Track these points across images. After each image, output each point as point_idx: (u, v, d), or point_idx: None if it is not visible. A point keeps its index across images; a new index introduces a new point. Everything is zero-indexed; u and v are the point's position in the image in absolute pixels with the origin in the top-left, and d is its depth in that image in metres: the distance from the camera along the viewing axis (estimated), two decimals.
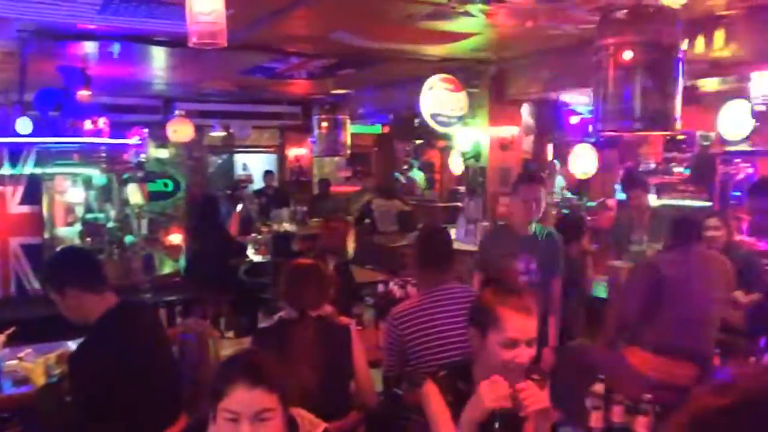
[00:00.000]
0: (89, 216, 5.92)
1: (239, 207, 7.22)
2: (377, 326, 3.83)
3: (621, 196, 7.27)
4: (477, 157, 7.14)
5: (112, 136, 5.94)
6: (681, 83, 2.88)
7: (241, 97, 9.34)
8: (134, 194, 6.23)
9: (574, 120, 8.91)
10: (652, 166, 8.97)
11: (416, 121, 9.62)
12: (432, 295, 2.97)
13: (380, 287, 4.44)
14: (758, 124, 6.52)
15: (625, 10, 2.87)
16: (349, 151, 8.39)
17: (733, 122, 6.75)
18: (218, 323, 4.41)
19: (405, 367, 2.98)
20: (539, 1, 4.15)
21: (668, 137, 8.10)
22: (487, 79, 6.82)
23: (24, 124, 5.26)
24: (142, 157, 6.49)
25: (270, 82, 7.78)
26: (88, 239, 5.60)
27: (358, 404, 2.91)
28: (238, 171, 12.41)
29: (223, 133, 10.66)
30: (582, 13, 4.33)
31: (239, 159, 12.64)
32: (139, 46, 5.41)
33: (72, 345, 3.29)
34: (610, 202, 8.20)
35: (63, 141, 5.52)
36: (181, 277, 5.91)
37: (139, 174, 6.42)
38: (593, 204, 8.80)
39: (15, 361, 3.24)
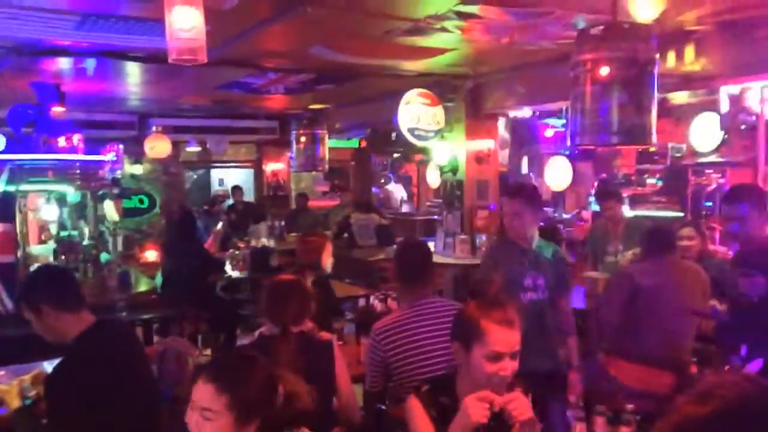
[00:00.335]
0: (64, 234, 5.82)
1: (219, 224, 7.15)
2: (358, 341, 3.81)
3: (596, 207, 7.37)
4: (454, 170, 7.19)
5: (86, 153, 5.86)
6: (656, 97, 2.95)
7: (217, 112, 9.31)
8: (109, 211, 6.14)
9: (549, 133, 9.04)
10: (625, 178, 9.11)
11: (393, 135, 9.68)
12: (413, 310, 2.98)
13: (361, 302, 4.44)
14: (727, 135, 6.68)
15: (601, 27, 2.94)
16: (327, 166, 8.40)
17: (704, 134, 6.90)
18: (196, 340, 4.36)
19: (388, 382, 2.97)
20: (514, 17, 4.21)
21: (641, 149, 8.24)
22: (463, 93, 6.90)
23: None
24: (118, 173, 6.41)
25: (247, 97, 7.77)
26: (63, 257, 5.50)
27: (342, 420, 2.90)
28: (215, 186, 12.34)
29: (199, 149, 10.59)
30: (557, 29, 4.41)
31: (216, 174, 12.56)
32: (114, 61, 5.37)
33: (48, 366, 3.22)
34: (585, 214, 8.32)
35: (37, 158, 5.43)
36: (157, 294, 5.83)
37: (115, 190, 6.33)
38: (568, 216, 8.91)
39: None
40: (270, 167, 11.52)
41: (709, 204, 7.25)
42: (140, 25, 4.17)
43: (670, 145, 7.90)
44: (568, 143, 3.38)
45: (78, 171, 5.67)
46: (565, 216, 9.02)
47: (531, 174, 9.58)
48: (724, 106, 6.32)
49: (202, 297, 5.99)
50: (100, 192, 5.90)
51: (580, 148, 4.55)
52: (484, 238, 6.83)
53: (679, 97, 6.63)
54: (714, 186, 7.27)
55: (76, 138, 5.74)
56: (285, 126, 9.90)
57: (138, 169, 9.80)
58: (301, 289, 3.06)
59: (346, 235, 8.87)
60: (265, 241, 8.17)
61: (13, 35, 4.47)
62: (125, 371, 2.59)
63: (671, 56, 4.61)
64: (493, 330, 1.94)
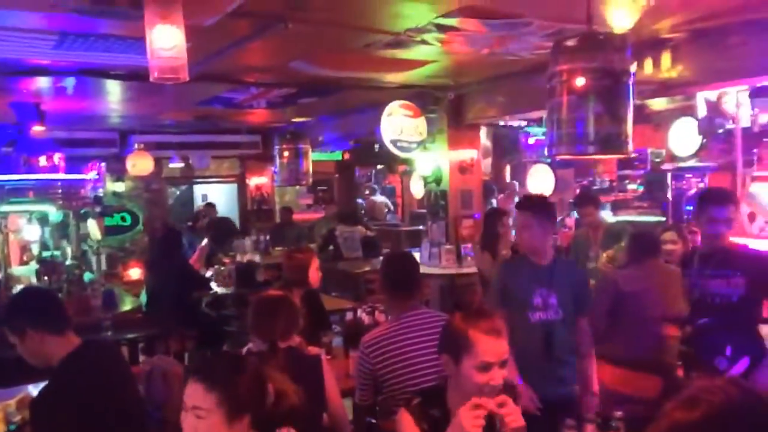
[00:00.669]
0: (46, 254, 5.77)
1: (204, 240, 7.11)
2: (347, 355, 3.80)
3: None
4: (438, 180, 7.23)
5: (68, 172, 5.83)
6: (632, 107, 2.99)
7: (199, 127, 9.28)
8: (92, 230, 6.10)
9: (530, 141, 9.12)
10: (607, 184, 9.20)
11: (376, 146, 9.71)
12: (402, 321, 2.98)
13: (348, 315, 4.42)
14: (705, 140, 6.78)
15: (576, 38, 2.98)
16: (311, 180, 8.40)
17: (682, 139, 7.00)
18: (182, 358, 4.33)
19: (377, 395, 2.97)
20: (493, 29, 4.26)
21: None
22: (445, 104, 6.95)
23: None
24: (100, 191, 6.37)
25: (229, 112, 7.76)
26: (45, 278, 5.44)
27: None
28: (198, 202, 12.27)
29: (181, 164, 10.54)
30: (535, 40, 4.47)
31: (199, 190, 12.50)
32: (94, 79, 5.34)
33: (33, 389, 3.17)
34: (568, 221, 8.38)
35: (17, 178, 5.39)
36: (142, 312, 5.78)
37: (97, 209, 6.29)
38: None
39: None
40: (253, 181, 11.50)
41: (690, 208, 7.35)
42: (120, 44, 4.16)
43: (649, 150, 8.00)
44: (546, 153, 3.40)
45: (59, 190, 5.63)
46: None
47: (514, 182, 9.65)
48: (702, 111, 6.42)
49: (188, 314, 5.93)
50: (82, 211, 5.86)
51: (559, 159, 4.59)
52: (469, 247, 6.86)
53: (658, 104, 6.72)
54: (694, 190, 7.37)
55: (57, 157, 5.71)
56: (268, 140, 9.90)
57: (120, 187, 9.73)
58: (289, 304, 3.05)
59: (331, 247, 8.86)
60: (250, 256, 8.12)
61: None
62: (112, 393, 2.56)
63: (648, 64, 4.69)
64: (482, 340, 1.95)
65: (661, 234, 4.56)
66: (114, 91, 6.19)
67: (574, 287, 3.22)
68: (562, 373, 3.15)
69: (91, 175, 6.12)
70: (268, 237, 9.52)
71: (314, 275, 4.15)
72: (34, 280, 5.48)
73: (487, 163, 8.80)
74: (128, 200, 9.59)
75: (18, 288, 5.12)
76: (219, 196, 11.94)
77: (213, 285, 7.08)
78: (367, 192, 13.65)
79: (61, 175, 5.71)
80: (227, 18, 3.52)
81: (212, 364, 1.96)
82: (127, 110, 7.53)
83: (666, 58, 4.63)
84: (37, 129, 5.72)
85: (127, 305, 5.83)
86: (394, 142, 6.65)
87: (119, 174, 9.55)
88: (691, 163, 7.14)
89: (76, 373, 2.48)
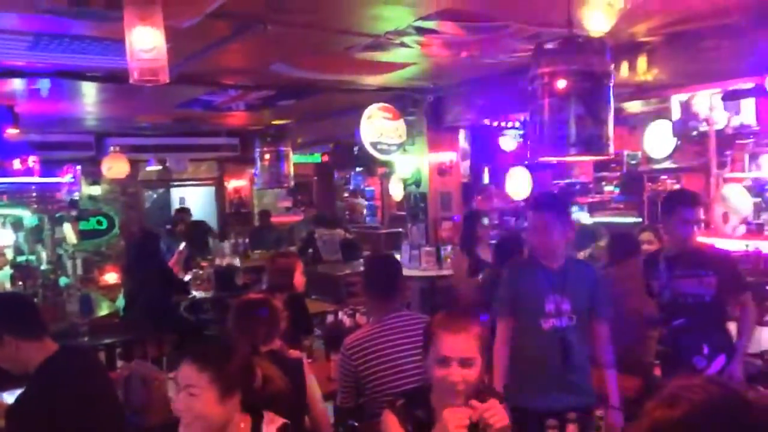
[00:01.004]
0: (21, 258, 5.68)
1: (183, 244, 7.05)
2: (328, 358, 3.80)
3: None
4: (417, 183, 7.25)
5: (42, 175, 5.74)
6: (612, 109, 3.03)
7: (177, 130, 9.19)
8: (68, 234, 6.01)
9: (509, 144, 9.18)
10: (584, 186, 9.30)
11: (356, 149, 9.71)
12: (383, 324, 2.98)
13: (329, 317, 4.42)
14: (680, 142, 6.89)
15: (557, 41, 3.01)
16: (292, 182, 8.38)
17: (657, 141, 7.11)
18: (161, 363, 4.28)
19: (359, 398, 2.96)
20: (471, 32, 4.29)
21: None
22: (424, 107, 6.97)
23: None
24: (75, 195, 6.27)
25: (207, 114, 7.70)
26: (20, 283, 5.35)
27: None
28: (176, 205, 12.16)
29: (158, 167, 10.44)
30: (514, 43, 4.51)
31: (176, 193, 12.39)
32: (70, 81, 5.27)
33: (8, 397, 3.12)
34: None
35: None
36: (119, 317, 5.71)
37: (72, 213, 6.20)
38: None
39: None
40: (232, 184, 11.43)
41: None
42: (97, 45, 4.11)
43: (625, 152, 8.11)
44: (528, 155, 3.42)
45: (34, 194, 5.55)
46: (526, 224, 9.15)
47: (493, 185, 9.70)
48: (676, 113, 6.52)
49: (167, 318, 5.88)
50: (58, 215, 5.78)
51: (541, 161, 4.61)
52: (449, 249, 6.89)
53: (633, 106, 6.82)
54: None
55: (32, 160, 5.62)
56: (246, 143, 9.84)
57: (96, 190, 9.60)
58: (270, 307, 3.04)
59: (311, 250, 8.84)
60: (229, 259, 8.07)
61: None
62: (89, 398, 2.52)
63: (625, 67, 4.76)
64: (441, 334, 2.00)
65: (638, 234, 4.63)
66: (90, 93, 6.11)
67: (589, 291, 3.03)
68: (578, 382, 2.95)
69: (67, 178, 6.03)
70: (246, 240, 9.47)
71: (299, 279, 4.14)
72: (8, 286, 5.39)
73: (465, 166, 8.84)
74: (104, 204, 9.47)
75: None
76: (197, 199, 11.84)
77: (192, 289, 7.03)
78: (346, 195, 13.63)
79: (35, 179, 5.64)
80: (206, 19, 3.50)
81: (204, 346, 2.10)
82: (103, 112, 7.44)
83: (642, 61, 4.70)
84: (11, 132, 5.63)
85: (103, 310, 5.76)
86: (374, 145, 6.65)
87: (95, 177, 9.42)
88: (666, 164, 7.25)
89: (52, 379, 2.44)
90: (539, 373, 2.91)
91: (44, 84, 5.37)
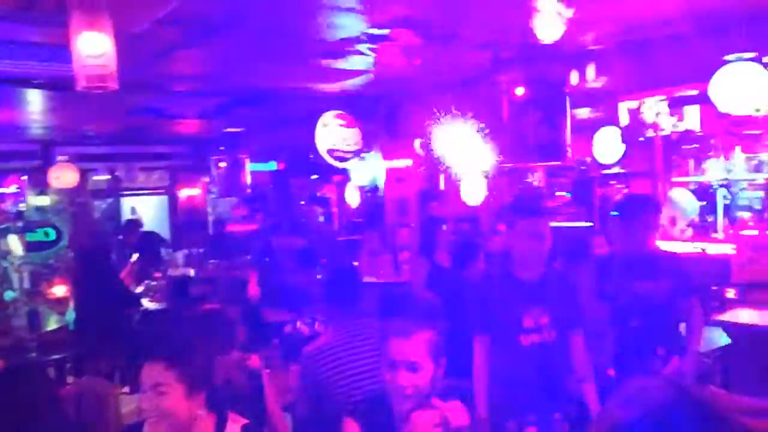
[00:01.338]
0: None
1: (135, 255, 6.88)
2: (286, 368, 3.75)
3: None
4: (374, 189, 7.26)
5: None
6: (569, 115, 3.09)
7: (127, 138, 8.99)
8: (13, 246, 5.80)
9: None
10: (537, 191, 9.45)
11: (312, 156, 9.66)
12: (344, 331, 2.97)
13: (287, 327, 4.37)
14: (628, 148, 7.08)
15: (515, 49, 3.07)
16: (249, 190, 8.29)
17: (606, 147, 7.29)
18: (113, 378, 4.17)
19: (320, 406, 2.93)
20: (426, 40, 4.33)
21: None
22: (380, 114, 6.99)
23: None
24: (21, 206, 6.06)
25: (158, 122, 7.56)
26: None
27: None
28: (127, 215, 11.87)
29: (108, 177, 10.18)
30: (468, 51, 4.56)
31: (127, 202, 12.09)
32: (14, 89, 5.10)
33: None
34: (501, 227, 8.55)
35: None
36: (69, 331, 5.53)
37: (18, 224, 5.98)
38: (485, 231, 9.14)
39: None
40: (184, 193, 11.22)
41: (616, 213, 7.63)
42: (42, 51, 3.98)
43: (576, 158, 8.28)
44: (489, 162, 3.45)
45: None
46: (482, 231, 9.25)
47: (448, 191, 9.79)
48: (624, 120, 6.70)
49: (118, 332, 5.71)
50: (3, 226, 5.57)
51: (501, 168, 4.65)
52: (406, 256, 6.91)
53: (583, 113, 6.97)
54: (619, 196, 7.67)
55: None
56: (199, 151, 9.69)
57: (43, 201, 9.30)
58: (226, 318, 2.99)
59: (267, 259, 8.73)
60: (182, 269, 7.92)
61: None
62: (37, 417, 2.44)
63: (575, 75, 4.87)
64: (390, 340, 2.06)
65: (590, 238, 4.73)
66: (35, 100, 5.93)
67: (567, 302, 2.89)
68: (560, 398, 2.80)
69: (12, 188, 5.81)
70: (201, 250, 9.30)
71: (253, 290, 4.09)
72: None
73: (422, 173, 8.90)
74: (52, 215, 9.17)
75: None
76: (148, 208, 11.58)
77: (144, 301, 6.86)
78: (302, 203, 13.53)
79: None
80: (157, 25, 3.43)
81: (168, 345, 2.09)
82: (50, 121, 7.23)
83: (591, 69, 4.82)
84: None
85: (52, 324, 5.58)
86: (330, 152, 6.64)
87: (42, 187, 9.12)
88: (615, 170, 7.44)
89: None
90: (519, 391, 2.71)
91: None
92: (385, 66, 5.15)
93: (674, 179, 6.55)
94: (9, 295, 5.49)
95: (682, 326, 3.56)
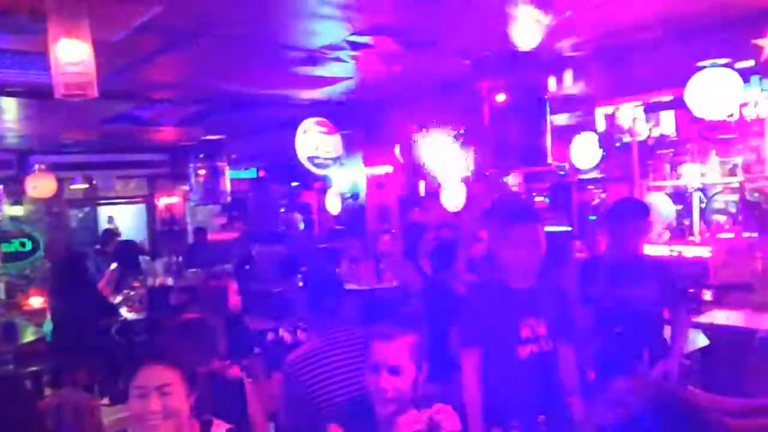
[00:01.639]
0: None
1: (114, 264, 6.80)
2: (269, 376, 3.73)
3: None
4: (355, 196, 7.27)
5: None
6: (549, 120, 3.13)
7: (104, 146, 8.90)
8: None
9: None
10: (515, 196, 9.52)
11: (292, 163, 9.64)
12: (327, 338, 2.96)
13: (269, 335, 4.34)
14: (605, 153, 7.17)
15: (496, 55, 3.10)
16: (229, 198, 8.25)
17: (584, 153, 7.37)
18: (92, 389, 4.10)
19: (303, 414, 2.92)
20: (405, 47, 4.35)
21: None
22: (360, 121, 7.00)
23: None
24: None
25: (136, 129, 7.49)
26: None
27: None
28: (104, 224, 11.74)
29: (85, 185, 10.06)
30: (448, 57, 4.59)
31: (104, 211, 11.97)
32: None
33: None
34: (482, 233, 8.60)
35: None
36: (46, 343, 5.44)
37: None
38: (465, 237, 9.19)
39: None
40: (163, 201, 11.13)
41: (593, 218, 7.73)
42: (18, 59, 3.93)
43: (554, 164, 8.36)
44: (470, 167, 3.46)
45: None
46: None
47: (429, 197, 9.83)
48: (601, 125, 6.78)
49: (97, 343, 5.64)
50: None
51: (484, 173, 4.68)
52: (387, 261, 6.92)
53: (560, 119, 7.05)
54: (597, 201, 7.76)
55: None
56: (177, 158, 9.62)
57: (19, 211, 9.17)
58: (207, 327, 2.97)
59: (248, 267, 8.68)
60: (162, 279, 7.84)
61: None
62: (15, 430, 2.40)
63: (552, 81, 4.93)
64: (373, 343, 2.09)
65: (570, 243, 4.78)
66: (10, 109, 5.85)
67: (560, 312, 2.81)
68: (560, 412, 2.61)
69: None
70: (180, 259, 9.22)
71: (233, 300, 4.06)
72: None
73: (402, 179, 8.93)
74: (28, 225, 9.05)
75: None
76: (126, 217, 11.48)
77: (123, 311, 6.78)
78: (282, 210, 13.49)
79: None
80: (136, 33, 3.41)
81: (163, 347, 2.16)
82: (26, 129, 7.13)
83: (568, 75, 4.88)
84: None
85: (29, 336, 5.49)
86: (310, 159, 6.63)
87: (17, 197, 9.00)
88: (593, 175, 7.52)
89: None
90: (517, 405, 2.55)
91: None
92: (365, 73, 5.17)
93: (651, 183, 6.65)
94: None
95: (667, 330, 3.58)
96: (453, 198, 8.70)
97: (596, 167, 7.38)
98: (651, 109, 5.84)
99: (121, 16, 3.11)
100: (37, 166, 8.38)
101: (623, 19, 3.98)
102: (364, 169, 7.13)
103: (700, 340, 4.48)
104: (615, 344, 3.40)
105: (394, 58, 4.66)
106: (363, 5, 3.51)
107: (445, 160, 9.22)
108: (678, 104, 5.10)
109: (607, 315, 3.42)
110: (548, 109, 3.13)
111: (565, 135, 7.72)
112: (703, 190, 6.18)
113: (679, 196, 6.39)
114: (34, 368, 4.96)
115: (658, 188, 6.53)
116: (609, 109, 6.58)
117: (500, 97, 2.97)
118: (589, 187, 7.91)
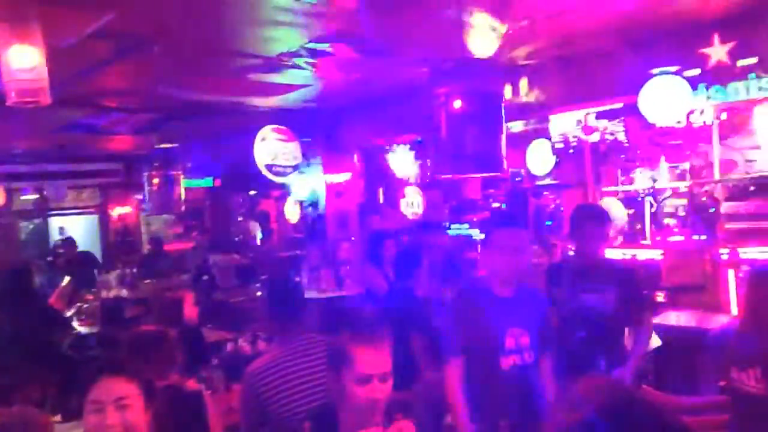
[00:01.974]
0: None
1: (67, 278, 6.60)
2: (228, 388, 3.67)
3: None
4: (314, 204, 7.24)
5: None
6: (505, 127, 3.18)
7: (55, 155, 8.66)
8: None
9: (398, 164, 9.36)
10: (472, 203, 9.62)
11: (250, 172, 9.55)
12: (287, 348, 2.93)
13: (228, 346, 4.28)
14: (559, 160, 7.31)
15: (453, 62, 3.14)
16: (183, 207, 8.10)
17: (539, 159, 7.50)
18: (44, 406, 3.97)
19: (264, 425, 2.88)
20: (363, 55, 4.37)
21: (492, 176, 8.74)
22: (319, 128, 6.99)
23: None
24: None
25: (89, 138, 7.32)
26: None
27: None
28: (55, 236, 11.40)
29: (35, 196, 9.76)
30: (406, 65, 4.63)
31: (55, 223, 11.62)
32: None
33: None
34: (443, 240, 8.66)
35: None
36: None
37: None
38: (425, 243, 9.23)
39: None
40: (116, 212, 10.89)
41: (549, 223, 7.86)
42: None
43: (510, 170, 8.48)
44: (428, 174, 3.50)
45: None
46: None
47: (387, 204, 9.85)
48: (554, 132, 6.91)
49: (48, 358, 5.46)
50: None
51: (439, 179, 4.72)
52: (348, 269, 6.90)
53: (516, 126, 7.16)
54: (552, 206, 7.90)
55: None
56: (131, 168, 9.44)
57: None
58: (164, 340, 2.91)
59: (205, 277, 8.55)
60: (116, 291, 7.65)
61: None
62: None
63: (508, 89, 5.02)
64: (359, 352, 1.92)
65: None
66: None
67: (540, 321, 2.75)
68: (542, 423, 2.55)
69: None
70: (134, 270, 9.01)
71: (190, 311, 3.99)
72: None
73: (361, 186, 8.94)
74: None
75: None
76: (78, 228, 11.15)
77: (75, 324, 6.59)
78: (240, 219, 13.33)
79: None
80: (88, 39, 3.34)
81: (121, 359, 2.16)
82: None
83: (524, 83, 4.97)
84: None
85: None
86: (269, 167, 6.58)
87: None
88: (548, 181, 7.66)
89: None
90: (499, 417, 2.51)
91: None
92: (324, 80, 5.17)
93: (604, 189, 6.79)
94: None
95: (627, 335, 3.61)
96: (411, 205, 8.76)
97: (550, 173, 7.52)
98: (603, 116, 5.97)
99: (73, 22, 3.04)
100: None
101: (578, 29, 4.07)
102: (324, 176, 7.11)
103: (654, 341, 4.58)
104: (577, 349, 3.42)
105: (352, 65, 4.67)
106: (321, 13, 3.51)
107: (404, 166, 9.29)
108: (629, 111, 5.23)
109: (568, 322, 3.43)
110: (504, 116, 3.18)
111: (520, 143, 7.85)
112: (653, 194, 6.34)
113: (631, 201, 6.54)
114: None
115: (611, 193, 6.68)
116: (562, 116, 6.72)
117: (457, 104, 3.00)
118: (545, 193, 8.04)
